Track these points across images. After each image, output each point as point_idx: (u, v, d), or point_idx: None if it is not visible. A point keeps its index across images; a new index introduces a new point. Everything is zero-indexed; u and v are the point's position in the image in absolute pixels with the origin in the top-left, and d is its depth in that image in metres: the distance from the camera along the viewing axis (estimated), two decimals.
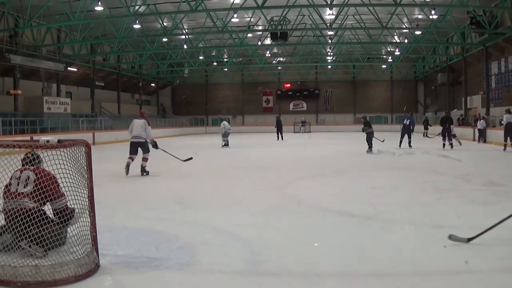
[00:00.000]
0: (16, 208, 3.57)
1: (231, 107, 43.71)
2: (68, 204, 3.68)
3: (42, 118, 21.35)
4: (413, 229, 4.59)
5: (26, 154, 3.92)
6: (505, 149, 14.31)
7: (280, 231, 4.56)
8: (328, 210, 5.52)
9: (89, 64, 29.59)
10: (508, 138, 14.09)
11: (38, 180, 3.62)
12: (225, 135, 18.73)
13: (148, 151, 9.21)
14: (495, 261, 3.46)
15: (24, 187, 3.67)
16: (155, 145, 9.35)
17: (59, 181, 3.58)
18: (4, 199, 3.68)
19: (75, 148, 3.35)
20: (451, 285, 3.06)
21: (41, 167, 3.85)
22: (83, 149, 3.36)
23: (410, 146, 16.20)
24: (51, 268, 3.06)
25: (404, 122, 16.50)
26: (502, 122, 13.36)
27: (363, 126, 14.90)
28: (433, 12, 21.22)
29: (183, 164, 10.35)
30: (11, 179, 3.73)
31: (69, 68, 26.50)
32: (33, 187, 3.63)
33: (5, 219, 3.63)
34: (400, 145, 16.26)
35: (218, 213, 5.42)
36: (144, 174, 9.03)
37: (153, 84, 41.88)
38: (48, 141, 3.22)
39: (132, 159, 8.97)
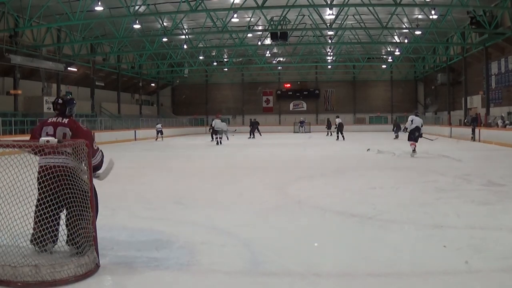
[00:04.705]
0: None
1: (231, 107, 43.71)
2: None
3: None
4: (413, 229, 4.58)
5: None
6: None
7: (280, 231, 4.56)
8: (328, 210, 5.52)
9: (89, 64, 29.56)
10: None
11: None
12: (215, 133, 21.42)
13: (222, 135, 20.81)
14: (495, 261, 3.46)
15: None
16: (226, 131, 22.06)
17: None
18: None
19: (75, 148, 3.35)
20: (451, 285, 3.06)
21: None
22: (83, 149, 3.36)
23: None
24: (51, 268, 3.06)
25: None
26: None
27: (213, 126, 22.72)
28: (433, 12, 21.19)
29: (182, 163, 10.33)
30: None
31: (69, 68, 26.46)
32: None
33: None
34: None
35: (218, 213, 5.41)
36: (220, 144, 19.86)
37: (153, 84, 41.85)
38: (48, 141, 3.22)
39: (218, 137, 20.46)
